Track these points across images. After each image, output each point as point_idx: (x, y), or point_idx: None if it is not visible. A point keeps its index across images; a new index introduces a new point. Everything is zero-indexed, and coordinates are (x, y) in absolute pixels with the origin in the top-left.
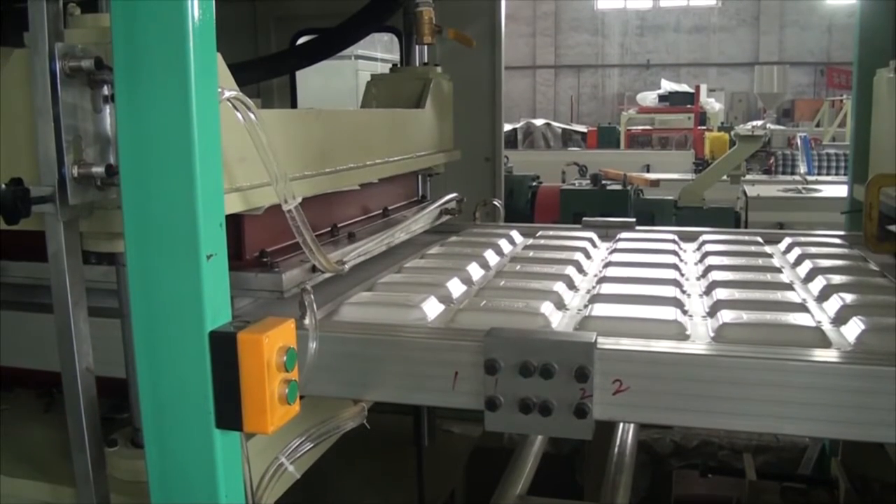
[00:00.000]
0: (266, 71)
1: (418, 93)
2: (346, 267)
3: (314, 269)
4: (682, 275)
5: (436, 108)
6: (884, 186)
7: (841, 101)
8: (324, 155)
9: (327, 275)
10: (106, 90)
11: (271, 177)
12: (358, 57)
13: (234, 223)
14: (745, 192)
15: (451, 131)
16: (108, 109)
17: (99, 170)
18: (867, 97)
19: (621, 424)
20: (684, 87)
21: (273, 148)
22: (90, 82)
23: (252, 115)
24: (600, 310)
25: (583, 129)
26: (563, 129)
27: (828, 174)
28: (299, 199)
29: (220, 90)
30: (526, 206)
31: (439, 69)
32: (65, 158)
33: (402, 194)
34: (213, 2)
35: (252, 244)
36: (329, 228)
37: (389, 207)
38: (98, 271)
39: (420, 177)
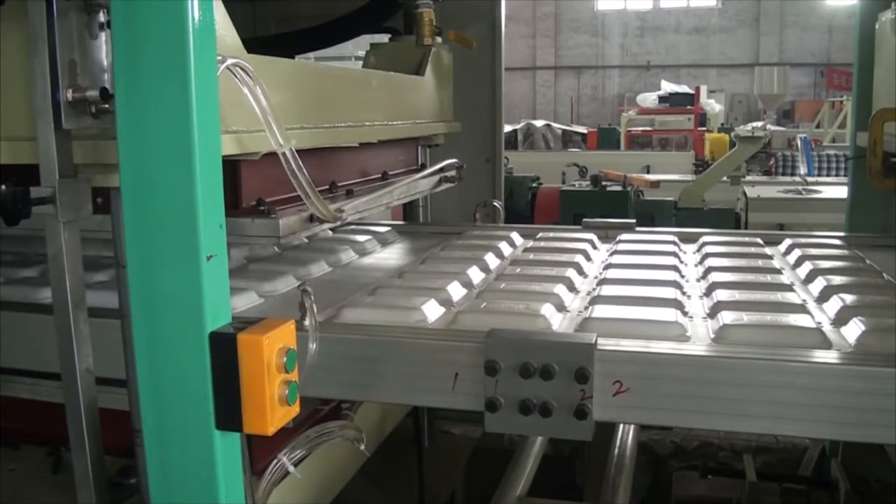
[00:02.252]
0: (260, 50)
1: (418, 62)
2: (345, 216)
3: (312, 218)
4: (683, 276)
5: (436, 77)
6: (887, 121)
7: (841, 102)
8: (321, 109)
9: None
10: (101, 16)
11: (266, 124)
12: (358, 58)
13: (231, 170)
14: (745, 194)
15: (450, 102)
16: (103, 36)
17: (94, 94)
18: (869, 49)
19: (621, 425)
20: (684, 89)
21: (270, 100)
22: (86, 7)
23: (259, 90)
24: (601, 311)
25: (583, 130)
26: (564, 131)
27: (828, 175)
28: (294, 142)
29: (220, 58)
30: (526, 207)
31: (440, 39)
32: (59, 83)
33: (401, 161)
34: (213, 3)
35: (249, 192)
36: (328, 186)
37: (389, 172)
38: (93, 221)
39: (420, 146)
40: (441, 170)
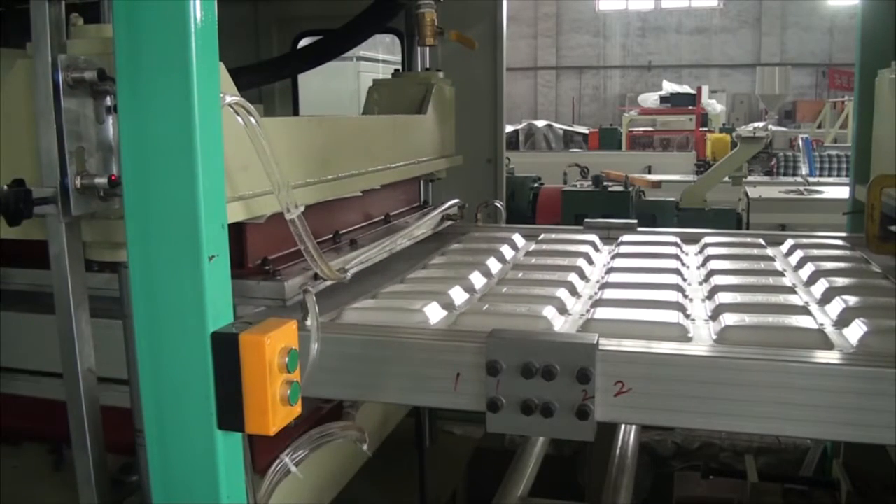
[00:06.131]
0: (268, 74)
1: (420, 98)
2: (349, 275)
3: (316, 276)
4: (685, 279)
5: (437, 114)
6: (885, 187)
7: (843, 102)
8: (326, 162)
9: (329, 282)
10: (109, 101)
11: (273, 185)
12: (360, 58)
13: (237, 231)
14: (746, 194)
15: (452, 136)
16: (110, 120)
17: (102, 180)
18: (869, 98)
19: (623, 426)
20: (686, 89)
21: (275, 155)
22: (93, 93)
23: (253, 121)
24: (602, 314)
25: (584, 130)
26: (565, 131)
27: (829, 175)
28: (302, 208)
29: (221, 95)
30: (527, 207)
31: (441, 74)
32: (67, 169)
33: (403, 200)
34: (216, 4)
35: (254, 252)
36: (331, 235)
37: (391, 213)
38: (100, 279)
39: (422, 182)
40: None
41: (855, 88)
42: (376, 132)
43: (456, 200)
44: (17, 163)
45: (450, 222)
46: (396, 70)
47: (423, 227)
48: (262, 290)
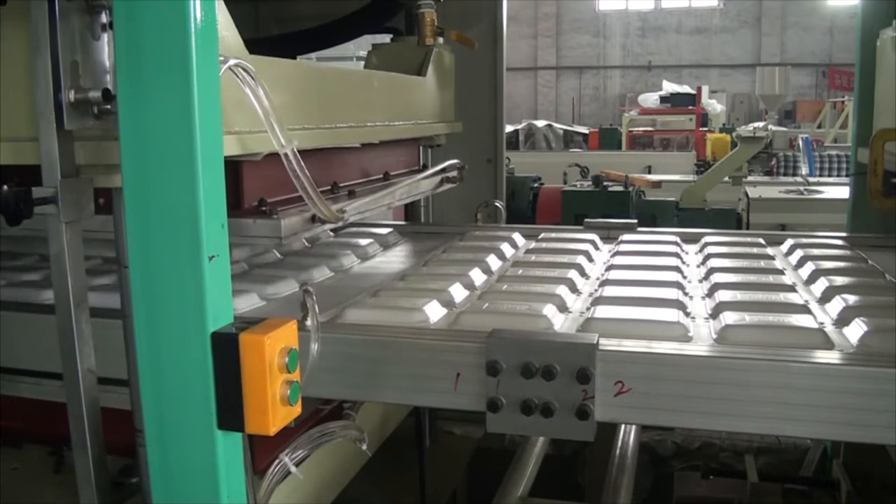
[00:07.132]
0: (265, 52)
1: (419, 62)
2: (347, 216)
3: (314, 218)
4: (685, 277)
5: (437, 78)
6: (888, 141)
7: (843, 102)
8: (323, 110)
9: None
10: (104, 17)
11: (268, 125)
12: (359, 58)
13: (233, 171)
14: (746, 194)
15: (452, 103)
16: (105, 37)
17: (96, 94)
18: (870, 60)
19: (623, 426)
20: (686, 89)
21: (272, 101)
22: (88, 8)
23: (261, 90)
24: (603, 312)
25: (584, 130)
26: (565, 131)
27: (829, 175)
28: (296, 143)
29: (221, 59)
30: (527, 207)
31: (441, 40)
32: (62, 84)
33: (403, 162)
34: (216, 4)
35: (251, 192)
36: (329, 186)
37: (391, 173)
38: (96, 221)
39: (421, 147)
40: (443, 170)
41: (856, 52)
42: (374, 87)
43: (455, 161)
44: (12, 86)
45: (450, 185)
46: (395, 34)
47: (422, 185)
48: (258, 229)
